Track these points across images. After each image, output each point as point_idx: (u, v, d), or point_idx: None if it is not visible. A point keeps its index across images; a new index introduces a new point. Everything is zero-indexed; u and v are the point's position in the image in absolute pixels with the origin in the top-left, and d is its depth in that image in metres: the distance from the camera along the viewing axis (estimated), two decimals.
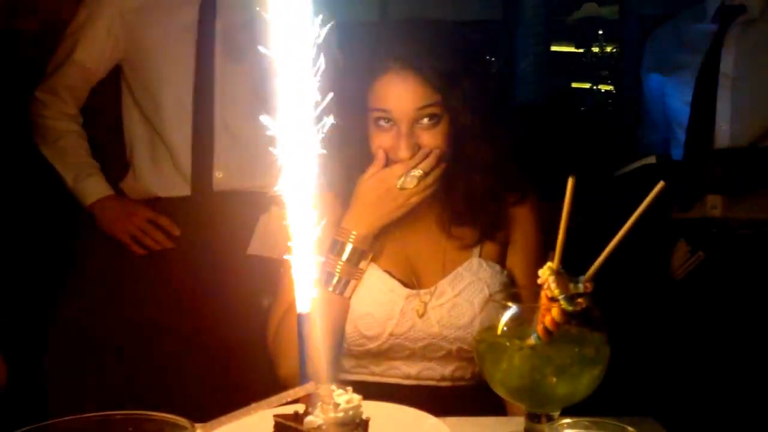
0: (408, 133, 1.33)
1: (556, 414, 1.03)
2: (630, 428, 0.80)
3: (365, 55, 1.39)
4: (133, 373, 1.91)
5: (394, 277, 1.40)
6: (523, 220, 1.46)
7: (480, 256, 1.43)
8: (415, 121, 1.33)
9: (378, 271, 1.40)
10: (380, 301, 1.38)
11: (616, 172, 2.01)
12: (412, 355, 1.40)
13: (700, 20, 2.05)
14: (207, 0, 2.03)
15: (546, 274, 1.01)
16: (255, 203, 2.05)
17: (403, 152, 1.33)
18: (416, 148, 1.34)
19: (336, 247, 1.36)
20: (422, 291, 1.40)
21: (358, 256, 1.36)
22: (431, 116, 1.33)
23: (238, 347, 1.91)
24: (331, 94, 0.86)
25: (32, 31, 2.16)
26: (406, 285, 1.40)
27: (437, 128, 1.34)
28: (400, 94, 1.33)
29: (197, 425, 0.57)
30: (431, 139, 1.35)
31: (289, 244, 0.88)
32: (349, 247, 1.36)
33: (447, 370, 1.41)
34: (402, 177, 1.34)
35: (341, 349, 1.41)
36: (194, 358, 1.97)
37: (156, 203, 2.06)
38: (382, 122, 1.34)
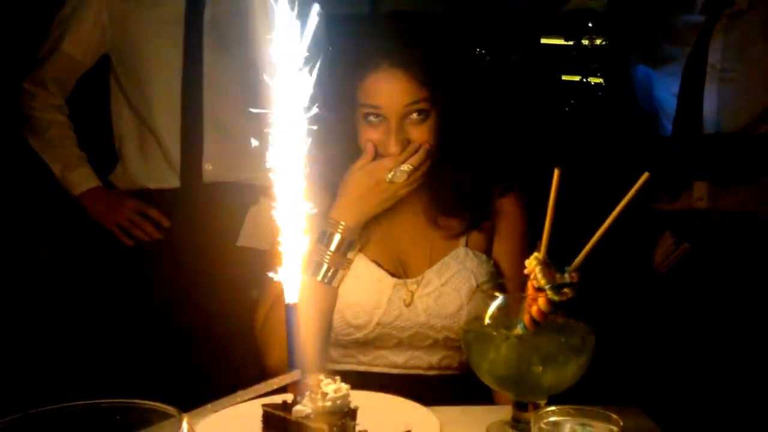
0: (397, 129, 1.34)
1: (543, 402, 1.05)
2: (614, 415, 0.81)
3: (354, 50, 1.39)
4: (122, 363, 1.91)
5: (381, 266, 1.41)
6: (508, 211, 1.48)
7: (466, 245, 1.45)
8: (405, 116, 1.34)
9: (365, 261, 1.41)
10: (368, 290, 1.39)
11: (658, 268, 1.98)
12: (399, 344, 1.41)
13: (687, 12, 2.06)
14: None
15: (532, 264, 1.02)
16: (244, 195, 2.05)
17: (393, 147, 1.34)
18: (405, 142, 1.35)
19: (324, 238, 1.37)
20: (409, 280, 1.41)
21: (346, 246, 1.37)
22: (420, 111, 1.34)
23: (227, 338, 1.91)
24: (316, 87, 0.87)
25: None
26: (393, 274, 1.41)
27: (426, 123, 1.35)
28: (390, 91, 1.33)
29: (185, 414, 0.57)
30: (420, 134, 1.36)
31: (277, 235, 0.89)
32: (337, 238, 1.37)
33: (434, 358, 1.42)
34: (392, 171, 1.35)
35: (329, 338, 1.41)
36: (183, 348, 1.98)
37: (145, 195, 2.05)
38: (371, 117, 1.35)
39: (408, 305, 1.39)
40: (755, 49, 1.96)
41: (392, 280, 1.40)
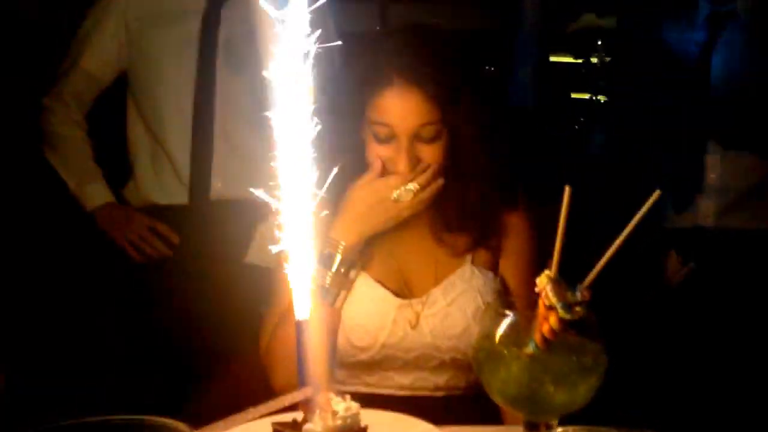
0: (408, 148, 1.32)
1: (554, 422, 1.03)
2: None
3: (366, 63, 1.37)
4: (131, 379, 1.92)
5: (385, 286, 1.39)
6: (515, 227, 1.46)
7: (472, 263, 1.43)
8: (416, 136, 1.32)
9: (369, 281, 1.39)
10: (371, 311, 1.36)
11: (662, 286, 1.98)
12: (405, 366, 1.38)
13: (688, 29, 2.07)
14: (211, 11, 2.06)
15: (543, 282, 1.01)
16: (253, 212, 2.06)
17: (403, 166, 1.32)
18: (415, 161, 1.33)
19: (324, 258, 1.35)
20: (414, 300, 1.38)
21: (347, 266, 1.35)
22: (432, 132, 1.33)
23: (235, 355, 1.91)
24: (324, 96, 0.87)
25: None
26: (397, 294, 1.39)
27: (437, 142, 1.34)
28: (403, 110, 1.31)
29: (195, 430, 0.57)
30: (430, 153, 1.34)
31: (284, 251, 0.89)
32: (338, 258, 1.35)
33: (441, 379, 1.39)
34: (397, 189, 1.33)
35: (334, 359, 1.39)
36: (191, 365, 1.97)
37: (155, 210, 2.07)
38: (381, 135, 1.33)
39: (414, 327, 1.36)
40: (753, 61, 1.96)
41: (396, 301, 1.38)
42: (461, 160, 1.39)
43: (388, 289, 1.39)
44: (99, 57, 2.07)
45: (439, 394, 1.40)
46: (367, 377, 1.40)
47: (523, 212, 1.46)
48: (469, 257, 1.43)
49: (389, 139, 1.33)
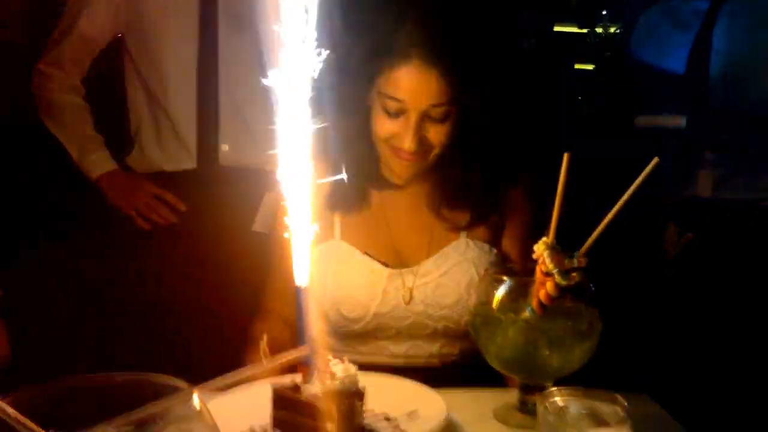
0: (417, 125, 1.29)
1: (549, 385, 1.05)
2: (619, 397, 0.82)
3: (384, 35, 1.31)
4: (135, 342, 1.93)
5: (375, 258, 1.38)
6: (517, 203, 1.44)
7: (468, 236, 1.41)
8: (426, 114, 1.29)
9: (357, 254, 1.38)
10: (361, 283, 1.36)
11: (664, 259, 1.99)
12: (398, 334, 1.38)
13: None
14: None
15: (541, 248, 1.03)
16: (261, 180, 2.04)
17: (409, 143, 1.29)
18: (422, 140, 1.30)
19: None
20: (405, 270, 1.37)
21: None
22: (442, 113, 1.29)
23: (241, 321, 1.93)
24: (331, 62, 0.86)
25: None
26: (387, 265, 1.38)
27: (446, 123, 1.31)
28: (418, 88, 1.27)
29: (195, 387, 0.59)
30: (438, 133, 1.31)
31: (284, 220, 0.90)
32: None
33: (434, 347, 1.39)
34: None
35: (326, 327, 1.38)
36: (197, 331, 1.99)
37: (162, 177, 2.06)
38: (391, 109, 1.30)
39: (408, 303, 1.35)
40: (762, 32, 1.94)
41: (386, 271, 1.36)
42: (468, 139, 1.36)
43: (379, 260, 1.38)
44: (96, 20, 2.03)
45: (434, 362, 1.40)
46: (361, 347, 1.40)
47: (524, 188, 1.44)
48: (464, 231, 1.41)
49: (398, 114, 1.30)
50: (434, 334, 1.38)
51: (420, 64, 1.26)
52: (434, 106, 1.28)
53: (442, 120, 1.30)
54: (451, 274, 1.36)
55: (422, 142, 1.30)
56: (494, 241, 1.43)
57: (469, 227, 1.41)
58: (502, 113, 1.40)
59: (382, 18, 1.31)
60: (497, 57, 1.35)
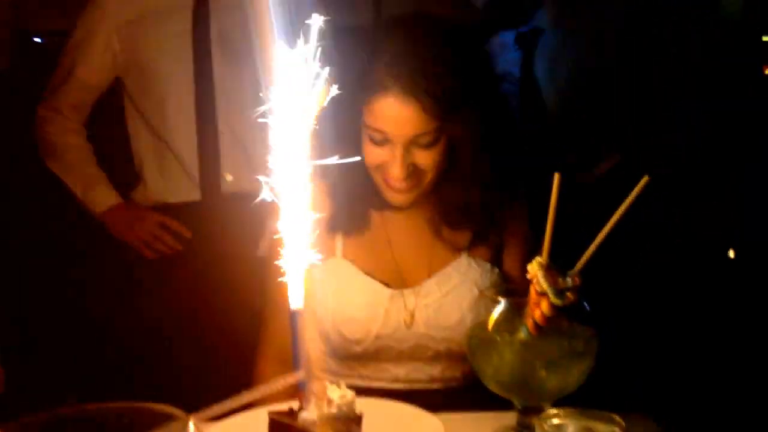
0: (403, 154, 1.27)
1: (547, 407, 1.05)
2: (617, 417, 0.81)
3: (361, 67, 1.29)
4: (142, 373, 1.92)
5: (376, 278, 1.37)
6: (515, 222, 1.43)
7: (469, 255, 1.40)
8: (412, 142, 1.28)
9: (359, 275, 1.37)
10: (362, 304, 1.35)
11: (591, 175, 2.12)
12: (399, 356, 1.37)
13: (504, 50, 2.26)
14: (200, 4, 2.05)
15: (535, 268, 1.03)
16: (265, 205, 2.05)
17: (397, 171, 1.28)
18: (410, 167, 1.30)
19: None
20: (406, 291, 1.36)
21: None
22: (428, 140, 1.28)
23: (247, 349, 1.92)
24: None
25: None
26: (389, 286, 1.37)
27: (434, 148, 1.29)
28: (399, 119, 1.25)
29: (190, 415, 0.58)
30: (427, 158, 1.30)
31: (278, 243, 0.90)
32: None
33: (436, 370, 1.38)
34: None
35: (327, 349, 1.38)
36: (204, 359, 1.98)
37: (167, 208, 2.07)
38: (376, 138, 1.29)
39: (409, 326, 1.34)
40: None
41: (388, 291, 1.35)
42: (460, 162, 1.34)
43: (380, 280, 1.37)
44: (93, 65, 2.06)
45: (435, 386, 1.39)
46: (362, 369, 1.39)
47: (521, 206, 1.43)
48: (465, 250, 1.40)
49: (384, 142, 1.29)
50: (436, 356, 1.37)
51: (398, 94, 1.24)
52: (418, 135, 1.26)
53: (428, 146, 1.28)
54: (453, 295, 1.35)
55: (411, 170, 1.29)
56: (496, 260, 1.43)
57: (469, 248, 1.40)
58: (493, 131, 1.39)
59: (359, 53, 1.31)
60: (479, 85, 1.33)
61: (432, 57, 1.27)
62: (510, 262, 1.42)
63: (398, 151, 1.27)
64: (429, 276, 1.38)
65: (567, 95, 2.19)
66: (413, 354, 1.36)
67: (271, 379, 1.39)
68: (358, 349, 1.36)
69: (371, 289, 1.36)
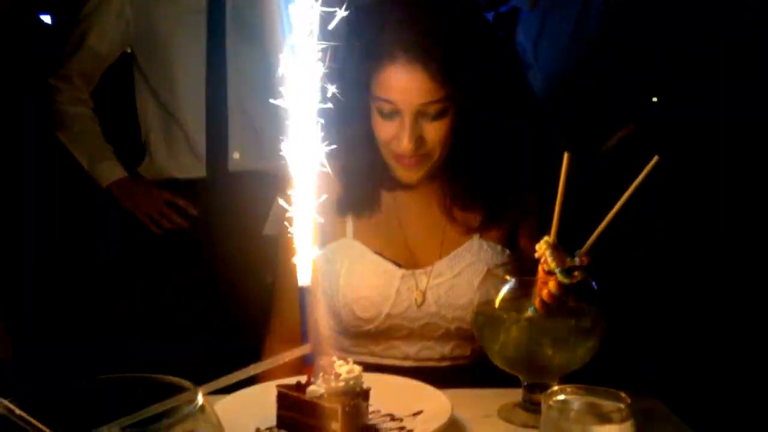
0: (411, 125, 1.28)
1: (554, 384, 1.05)
2: (622, 394, 0.82)
3: (370, 39, 1.31)
4: (145, 348, 1.95)
5: (388, 258, 1.38)
6: (531, 205, 1.41)
7: (481, 236, 1.40)
8: (421, 113, 1.29)
9: (370, 254, 1.37)
10: (374, 283, 1.35)
11: (599, 149, 2.09)
12: (410, 335, 1.38)
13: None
14: None
15: (543, 247, 1.03)
16: (271, 184, 2.06)
17: (406, 143, 1.28)
18: (419, 140, 1.30)
19: None
20: (418, 271, 1.37)
21: None
22: (437, 110, 1.28)
23: (252, 325, 1.95)
24: (332, 71, 0.88)
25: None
26: (401, 266, 1.37)
27: (443, 120, 1.29)
28: (406, 88, 1.26)
29: (200, 387, 0.60)
30: (436, 131, 1.30)
31: (288, 221, 0.91)
32: None
33: (446, 348, 1.39)
34: None
35: (339, 327, 1.39)
36: (210, 335, 2.01)
37: (173, 184, 2.09)
38: (385, 110, 1.30)
39: (420, 305, 1.35)
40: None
41: (400, 271, 1.36)
42: (472, 139, 1.34)
43: (392, 260, 1.37)
44: (105, 35, 2.07)
45: (445, 363, 1.39)
46: (373, 347, 1.40)
47: (537, 191, 1.40)
48: (477, 232, 1.39)
49: (393, 114, 1.28)
50: (447, 335, 1.38)
51: (405, 62, 1.26)
52: (426, 104, 1.27)
53: (437, 117, 1.29)
54: (464, 275, 1.35)
55: (420, 143, 1.30)
56: (508, 242, 1.42)
57: (481, 229, 1.40)
58: (506, 110, 1.38)
59: (365, 22, 1.31)
60: (488, 52, 1.33)
61: (437, 22, 1.28)
62: (527, 244, 1.41)
63: (407, 121, 1.28)
64: (441, 257, 1.38)
65: (554, 74, 2.17)
66: (424, 333, 1.37)
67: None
68: (369, 327, 1.37)
69: (382, 269, 1.36)
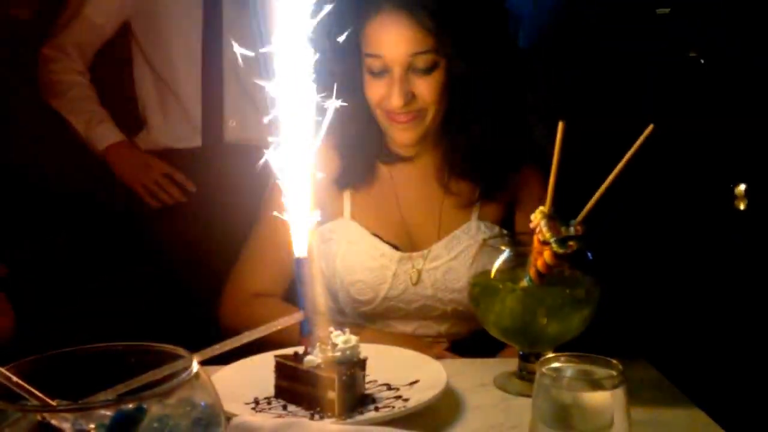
0: (401, 80, 1.27)
1: (549, 353, 1.06)
2: (615, 361, 0.83)
3: None
4: (142, 320, 1.96)
5: (385, 240, 1.37)
6: (528, 179, 1.41)
7: (479, 218, 1.39)
8: (409, 67, 1.27)
9: (368, 236, 1.37)
10: (371, 266, 1.35)
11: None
12: (407, 316, 1.38)
13: None
14: None
15: (538, 217, 1.03)
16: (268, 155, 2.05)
17: (396, 99, 1.27)
18: (409, 95, 1.29)
19: None
20: (415, 254, 1.36)
21: None
22: (426, 62, 1.27)
23: None
24: (323, 40, 0.88)
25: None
26: (398, 248, 1.37)
27: (432, 76, 1.28)
28: (393, 39, 1.26)
29: (195, 354, 0.60)
30: (426, 87, 1.28)
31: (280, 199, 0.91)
32: None
33: (443, 327, 1.40)
34: None
35: (336, 306, 1.40)
36: (205, 308, 2.02)
37: (168, 154, 2.08)
38: (375, 68, 1.29)
39: (415, 284, 1.35)
40: None
41: (397, 254, 1.36)
42: (464, 97, 1.32)
43: (389, 242, 1.37)
44: (102, 6, 2.06)
45: (441, 341, 1.39)
46: (369, 324, 1.39)
47: (535, 165, 1.39)
48: (475, 212, 1.38)
49: (383, 72, 1.27)
50: (443, 316, 1.38)
51: (391, 12, 1.26)
52: (414, 54, 1.26)
53: (427, 71, 1.28)
54: (461, 258, 1.35)
55: (411, 99, 1.29)
56: (505, 221, 1.42)
57: (477, 203, 1.39)
58: (498, 66, 1.36)
59: None
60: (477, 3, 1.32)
61: None
62: (522, 222, 1.40)
63: (396, 75, 1.27)
64: (438, 239, 1.37)
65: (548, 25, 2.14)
66: (420, 314, 1.38)
67: (237, 317, 1.43)
68: (366, 309, 1.37)
69: (380, 252, 1.36)
